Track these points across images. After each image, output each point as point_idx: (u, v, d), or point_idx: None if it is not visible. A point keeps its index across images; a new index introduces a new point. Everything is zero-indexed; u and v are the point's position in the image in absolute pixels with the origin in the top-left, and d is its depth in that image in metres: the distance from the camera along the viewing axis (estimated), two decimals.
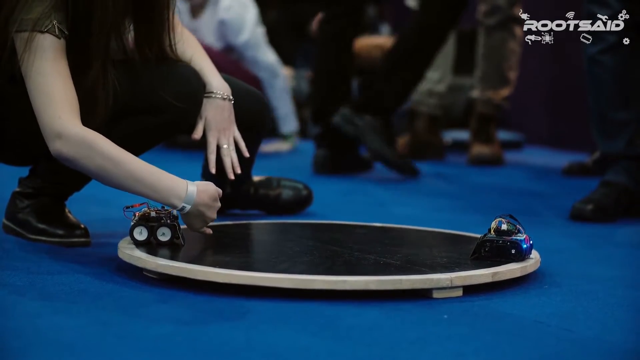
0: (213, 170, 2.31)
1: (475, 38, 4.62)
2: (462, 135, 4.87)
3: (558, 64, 5.39)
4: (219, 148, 2.32)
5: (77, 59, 2.07)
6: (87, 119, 2.05)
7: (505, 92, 4.50)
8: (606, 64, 2.92)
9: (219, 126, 2.32)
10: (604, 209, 2.91)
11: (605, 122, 2.99)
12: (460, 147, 4.81)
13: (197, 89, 2.28)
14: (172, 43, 2.22)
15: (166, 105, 2.23)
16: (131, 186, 2.02)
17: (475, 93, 4.55)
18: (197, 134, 2.31)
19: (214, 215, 2.09)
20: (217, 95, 2.31)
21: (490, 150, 4.46)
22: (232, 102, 2.33)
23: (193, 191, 2.03)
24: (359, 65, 5.24)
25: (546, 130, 5.57)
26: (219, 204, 2.09)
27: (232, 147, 2.34)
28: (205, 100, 2.31)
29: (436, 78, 4.54)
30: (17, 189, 2.33)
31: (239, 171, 2.33)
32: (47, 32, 2.02)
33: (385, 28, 6.40)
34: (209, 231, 2.13)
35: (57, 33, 2.02)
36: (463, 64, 5.08)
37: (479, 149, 4.47)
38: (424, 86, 4.52)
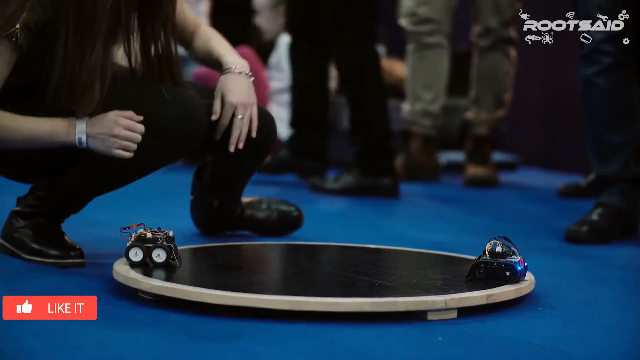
0: (218, 137, 2.32)
1: (469, 59, 4.64)
2: (457, 156, 4.88)
3: (553, 85, 5.40)
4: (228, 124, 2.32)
5: (80, 38, 2.09)
6: (80, 103, 2.10)
7: (500, 113, 4.51)
8: (601, 86, 2.93)
9: (238, 97, 2.30)
10: (598, 231, 2.91)
11: (601, 145, 2.99)
12: (455, 168, 4.82)
13: (199, 116, 2.25)
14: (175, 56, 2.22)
15: (165, 126, 2.21)
16: (31, 143, 2.11)
17: (470, 115, 4.56)
18: (216, 112, 2.31)
19: (122, 132, 2.11)
20: (235, 70, 2.30)
21: (485, 171, 4.47)
22: (252, 78, 2.33)
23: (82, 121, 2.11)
24: None
25: (541, 151, 5.58)
26: (126, 121, 2.12)
27: (247, 123, 2.33)
28: (223, 77, 2.30)
29: (430, 98, 4.54)
30: (15, 208, 2.33)
31: (241, 146, 2.32)
32: (5, 37, 2.05)
33: (380, 48, 6.42)
34: (132, 148, 2.13)
35: (14, 40, 2.05)
36: (457, 85, 5.10)
37: (474, 170, 4.47)
38: (417, 106, 4.52)
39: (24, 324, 1.75)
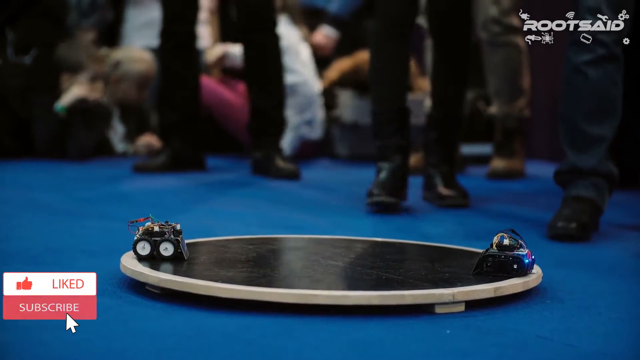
0: None
1: (479, 50, 4.62)
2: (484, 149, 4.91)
3: (559, 77, 5.39)
4: None
5: None
6: None
7: (521, 102, 4.50)
8: (589, 76, 2.87)
9: None
10: (585, 226, 2.85)
11: (578, 135, 2.92)
12: (481, 161, 4.86)
13: None
14: None
15: None
16: None
17: (493, 109, 4.56)
18: None
19: None
20: None
21: (506, 164, 4.49)
22: None
23: None
24: (361, 79, 5.25)
25: (548, 144, 5.58)
26: None
27: None
28: None
29: None
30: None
31: None
32: None
33: None
34: None
35: None
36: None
37: (496, 164, 4.50)
38: None
39: (29, 321, 1.75)
